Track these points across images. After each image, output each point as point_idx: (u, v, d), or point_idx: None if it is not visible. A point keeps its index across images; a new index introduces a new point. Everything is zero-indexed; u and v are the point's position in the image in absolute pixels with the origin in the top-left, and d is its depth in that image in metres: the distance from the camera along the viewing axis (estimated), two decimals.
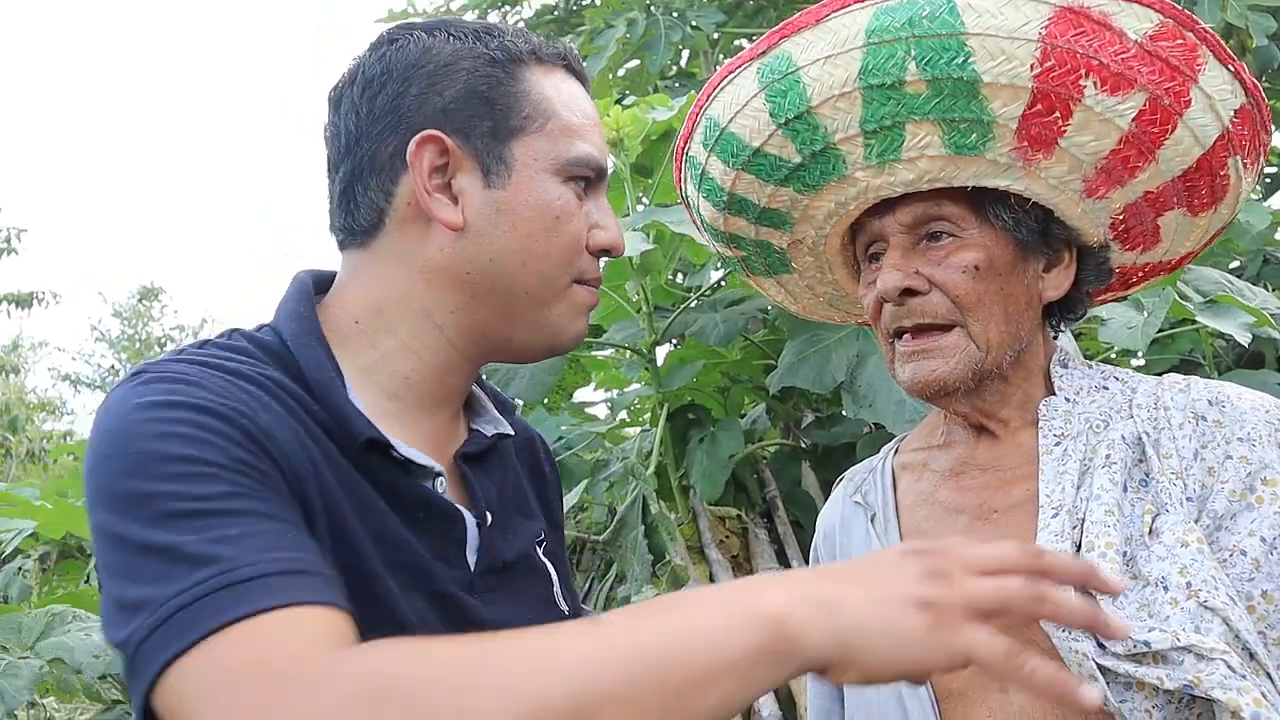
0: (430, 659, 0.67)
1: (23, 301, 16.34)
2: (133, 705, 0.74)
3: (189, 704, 0.66)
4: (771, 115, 1.05)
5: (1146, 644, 0.89)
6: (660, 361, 2.75)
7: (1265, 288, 3.19)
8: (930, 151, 1.02)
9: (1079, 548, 0.98)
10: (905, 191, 1.06)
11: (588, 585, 2.76)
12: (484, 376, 1.12)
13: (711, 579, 2.51)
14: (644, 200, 2.74)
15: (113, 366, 22.33)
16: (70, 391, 21.83)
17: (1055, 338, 1.18)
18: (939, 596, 0.70)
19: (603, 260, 1.05)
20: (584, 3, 5.27)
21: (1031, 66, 0.95)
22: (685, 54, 5.01)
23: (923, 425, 1.29)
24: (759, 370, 2.80)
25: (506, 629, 0.85)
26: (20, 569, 4.62)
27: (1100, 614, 0.72)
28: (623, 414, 3.43)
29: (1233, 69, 0.99)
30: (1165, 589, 0.92)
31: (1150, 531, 0.98)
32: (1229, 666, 0.87)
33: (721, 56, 4.74)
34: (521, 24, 5.88)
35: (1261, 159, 1.09)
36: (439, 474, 0.94)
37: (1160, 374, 1.16)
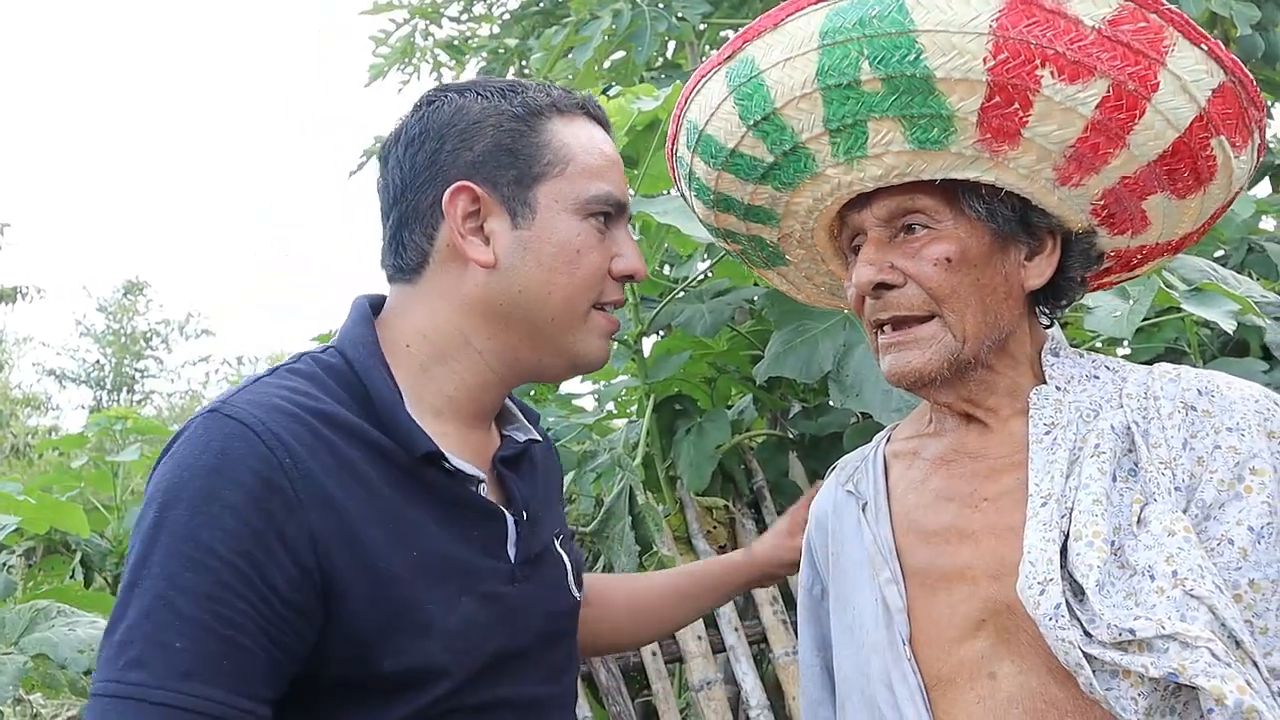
0: None
1: (6, 296, 16.23)
2: None
3: None
4: (741, 118, 1.07)
5: (1132, 632, 0.89)
6: (647, 352, 2.74)
7: (1250, 276, 3.20)
8: (894, 148, 1.03)
9: (1067, 536, 0.98)
10: (877, 186, 1.07)
11: None
12: None
13: None
14: (631, 191, 2.73)
15: (98, 361, 22.22)
16: (55, 387, 21.72)
17: (1049, 326, 1.18)
18: None
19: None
20: None
21: (985, 60, 0.95)
22: (672, 45, 4.99)
23: (915, 413, 1.29)
24: (746, 361, 2.80)
25: (536, 613, 1.12)
26: (4, 564, 4.60)
27: None
28: (610, 405, 3.43)
29: (1206, 48, 0.98)
30: (1152, 578, 0.92)
31: (1139, 521, 0.98)
32: (1213, 654, 0.87)
33: (708, 48, 4.72)
34: (507, 16, 5.86)
35: (1256, 136, 1.07)
36: (481, 480, 1.08)
37: (1147, 362, 1.16)
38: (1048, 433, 1.07)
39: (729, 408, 2.96)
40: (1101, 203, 1.09)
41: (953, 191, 1.06)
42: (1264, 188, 4.39)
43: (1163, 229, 1.14)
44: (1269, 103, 4.44)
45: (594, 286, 1.10)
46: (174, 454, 0.94)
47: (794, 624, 2.43)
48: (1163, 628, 0.88)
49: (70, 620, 2.39)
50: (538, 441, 1.22)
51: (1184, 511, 0.97)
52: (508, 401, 1.23)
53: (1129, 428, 1.04)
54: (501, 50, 5.54)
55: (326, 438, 0.98)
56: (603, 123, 1.17)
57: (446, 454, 1.04)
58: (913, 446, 1.22)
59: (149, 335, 22.77)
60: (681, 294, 2.63)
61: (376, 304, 1.15)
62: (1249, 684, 0.86)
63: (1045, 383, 1.12)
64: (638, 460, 2.44)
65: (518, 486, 1.14)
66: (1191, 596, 0.90)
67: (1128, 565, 0.95)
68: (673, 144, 1.21)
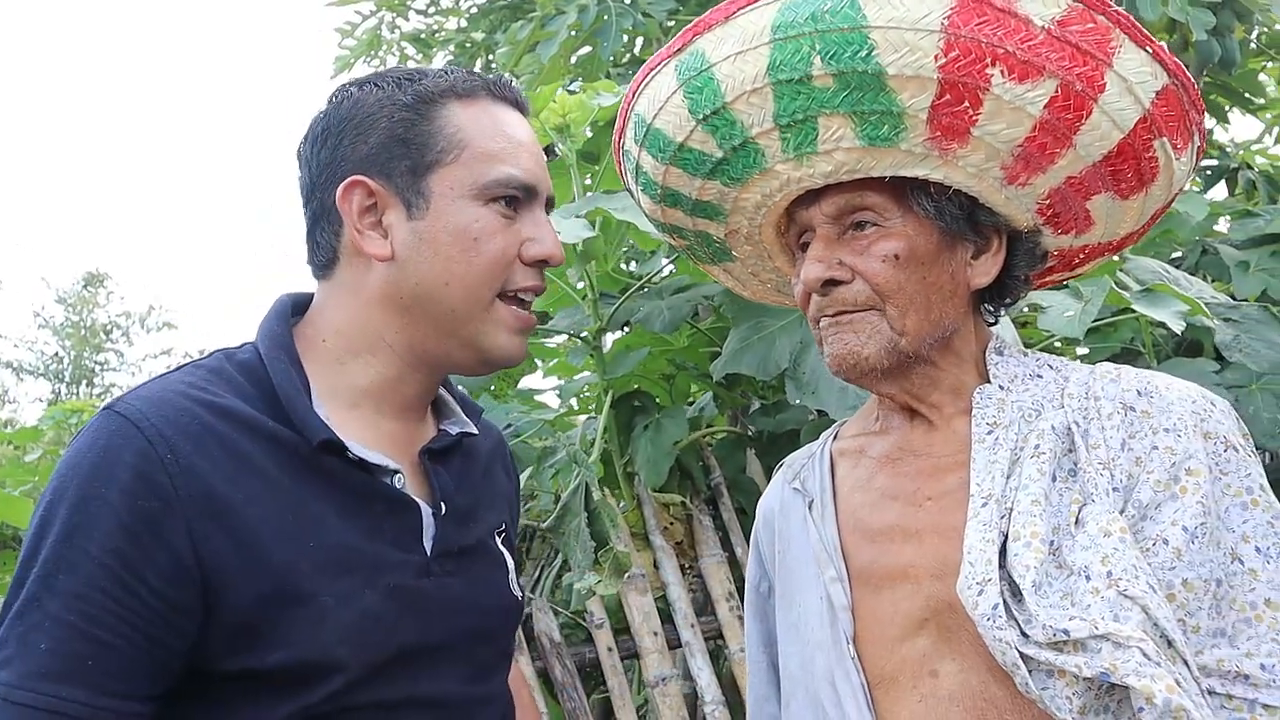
0: None
1: None
2: None
3: None
4: (690, 111, 1.07)
5: (1066, 633, 0.90)
6: (609, 349, 2.74)
7: (1204, 278, 3.25)
8: (845, 144, 1.03)
9: (1006, 537, 0.99)
10: (826, 183, 1.07)
11: (537, 573, 2.75)
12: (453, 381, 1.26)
13: (655, 566, 2.52)
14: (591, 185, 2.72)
15: (56, 354, 21.88)
16: (13, 379, 21.38)
17: (993, 324, 1.19)
18: None
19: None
20: None
21: (936, 57, 0.96)
22: (640, 41, 4.99)
23: (861, 411, 1.29)
24: (705, 358, 2.80)
25: (459, 607, 1.10)
26: None
27: None
28: (574, 401, 3.42)
29: (1150, 50, 0.99)
30: (1088, 578, 0.93)
31: (1076, 521, 0.99)
32: (1144, 654, 0.88)
33: None
34: (474, 9, 5.82)
35: (1196, 139, 1.09)
36: (396, 471, 1.06)
37: (1102, 361, 1.17)
38: (990, 432, 1.08)
39: (690, 404, 2.96)
40: (1047, 202, 1.10)
41: (901, 189, 1.07)
42: (1220, 190, 4.45)
43: (1105, 229, 1.16)
44: (1225, 108, 4.50)
45: (496, 275, 1.07)
46: (67, 453, 0.96)
47: None
48: (1096, 628, 0.89)
49: None
50: (472, 435, 1.20)
51: (1121, 512, 0.98)
52: (445, 394, 1.22)
53: (1069, 428, 1.05)
54: (468, 44, 5.53)
55: (218, 431, 0.97)
56: (516, 104, 1.14)
57: (349, 443, 1.03)
58: (859, 445, 1.22)
59: (109, 328, 22.45)
60: (642, 290, 2.63)
61: (303, 302, 1.15)
62: (1178, 683, 0.87)
63: (989, 381, 1.12)
64: (594, 457, 2.43)
65: (441, 479, 1.12)
66: (1125, 597, 0.91)
67: (1065, 565, 0.96)
68: (620, 138, 1.20)
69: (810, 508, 1.21)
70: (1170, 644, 0.90)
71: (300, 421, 1.01)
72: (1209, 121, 4.57)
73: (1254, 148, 4.93)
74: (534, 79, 4.26)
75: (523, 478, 2.56)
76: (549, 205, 1.15)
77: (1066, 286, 2.21)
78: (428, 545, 1.08)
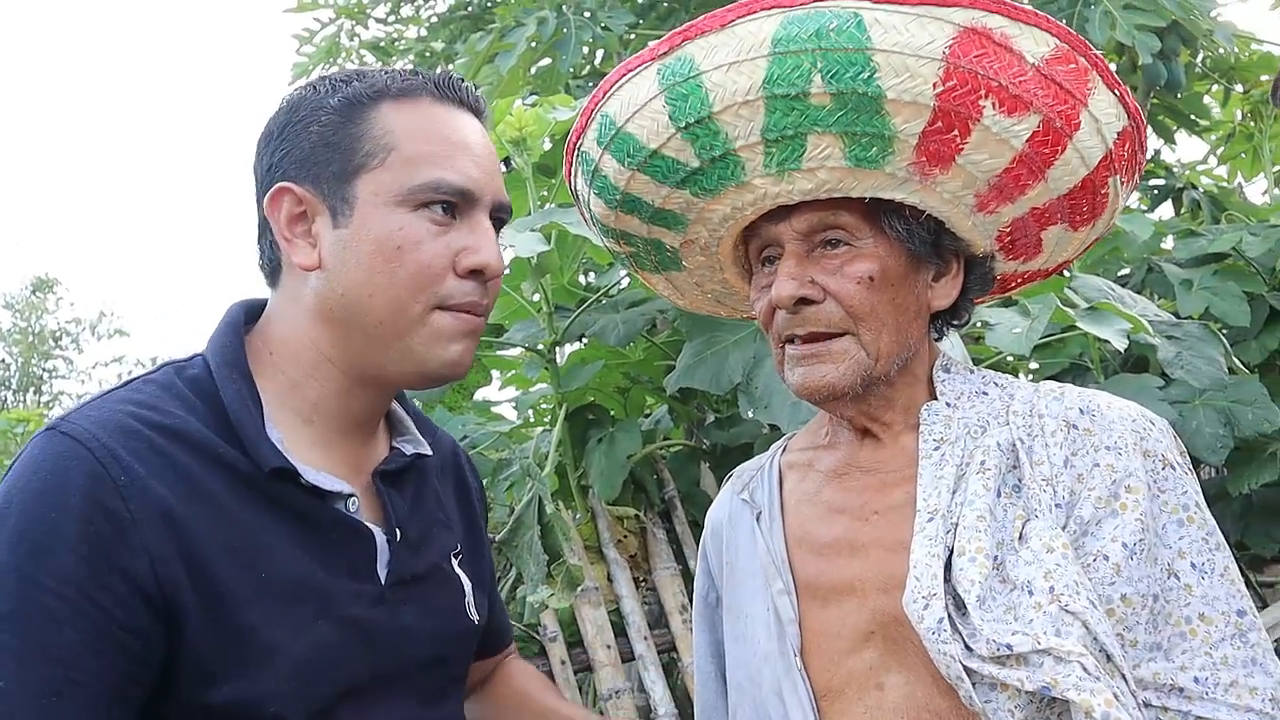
0: None
1: None
2: None
3: None
4: (671, 118, 1.03)
5: (1009, 647, 0.92)
6: (564, 361, 2.73)
7: (1150, 295, 3.31)
8: (830, 163, 1.02)
9: (952, 552, 1.00)
10: (803, 200, 1.07)
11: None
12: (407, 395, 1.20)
13: (609, 579, 2.51)
14: (549, 199, 2.72)
15: (2, 360, 21.44)
16: None
17: (938, 340, 1.21)
18: None
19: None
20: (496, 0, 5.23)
21: (934, 85, 0.96)
22: (600, 54, 5.00)
23: (810, 425, 1.30)
24: (660, 371, 2.80)
25: (411, 636, 1.04)
26: None
27: None
28: (530, 413, 3.41)
29: (1118, 93, 1.02)
30: (1030, 593, 0.95)
31: (1020, 537, 1.00)
32: (1084, 669, 0.89)
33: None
34: (434, 19, 5.80)
35: (1137, 176, 1.13)
36: (350, 495, 1.02)
37: (1051, 378, 1.19)
38: (936, 448, 1.09)
39: (646, 417, 2.97)
40: (1008, 230, 1.12)
41: (874, 211, 1.07)
42: (1167, 210, 4.54)
43: (1049, 256, 1.19)
44: (1172, 129, 4.60)
45: (423, 286, 1.00)
46: (8, 476, 0.89)
47: None
48: (1039, 643, 0.91)
49: None
50: (426, 455, 1.15)
51: (1063, 528, 1.00)
52: (399, 409, 1.17)
53: (1014, 444, 1.06)
54: (428, 53, 5.50)
55: (170, 454, 0.92)
56: (466, 105, 1.07)
57: (302, 469, 0.98)
58: (807, 458, 1.23)
59: (59, 334, 22.04)
60: (596, 304, 2.63)
61: (258, 308, 1.10)
62: (1116, 697, 0.89)
63: (937, 398, 1.14)
64: (548, 470, 2.42)
65: (395, 503, 1.07)
66: (1067, 612, 0.92)
67: (1009, 580, 0.98)
68: (578, 138, 1.16)
69: (758, 519, 1.21)
70: (1109, 658, 0.92)
71: (252, 446, 0.96)
72: (1156, 142, 4.67)
73: (1199, 168, 5.04)
74: (492, 90, 4.25)
75: None
76: (502, 213, 1.08)
77: (1016, 303, 2.25)
78: (382, 573, 1.03)
